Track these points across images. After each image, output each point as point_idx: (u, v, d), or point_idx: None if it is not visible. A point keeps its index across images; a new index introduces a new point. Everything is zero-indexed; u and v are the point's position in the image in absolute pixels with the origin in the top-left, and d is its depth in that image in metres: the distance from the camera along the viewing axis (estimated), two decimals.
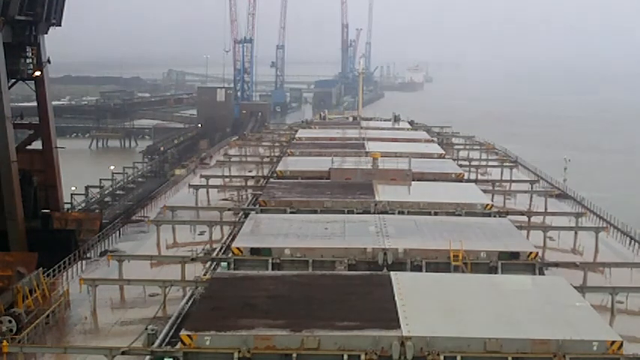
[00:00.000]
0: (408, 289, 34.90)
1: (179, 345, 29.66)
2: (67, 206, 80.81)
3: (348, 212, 52.92)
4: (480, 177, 74.64)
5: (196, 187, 66.94)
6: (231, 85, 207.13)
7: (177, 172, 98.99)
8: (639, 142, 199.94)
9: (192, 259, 43.66)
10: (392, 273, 37.54)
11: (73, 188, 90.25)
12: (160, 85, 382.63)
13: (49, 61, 72.96)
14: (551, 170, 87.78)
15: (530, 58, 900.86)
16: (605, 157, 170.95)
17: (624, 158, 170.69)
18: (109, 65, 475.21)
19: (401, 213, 52.91)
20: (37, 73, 71.78)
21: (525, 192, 69.62)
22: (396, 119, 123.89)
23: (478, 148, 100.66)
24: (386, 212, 52.56)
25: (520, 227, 49.98)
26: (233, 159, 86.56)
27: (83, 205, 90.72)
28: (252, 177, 74.28)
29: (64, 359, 32.59)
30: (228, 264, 42.04)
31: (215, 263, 43.99)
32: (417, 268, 40.97)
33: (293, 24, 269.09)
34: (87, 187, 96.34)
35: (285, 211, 53.49)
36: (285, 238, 44.31)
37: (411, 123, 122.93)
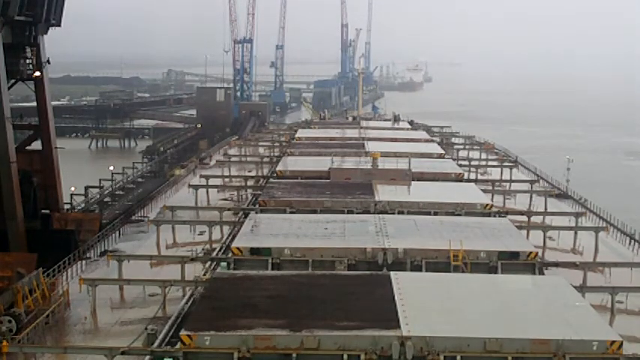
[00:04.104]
0: (407, 289, 34.87)
1: (179, 345, 29.64)
2: (66, 206, 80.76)
3: (348, 212, 52.87)
4: (479, 177, 74.58)
5: (196, 187, 66.90)
6: (231, 85, 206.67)
7: (177, 172, 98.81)
8: None
9: (192, 259, 43.64)
10: (392, 273, 37.51)
11: (73, 188, 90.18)
12: (160, 85, 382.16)
13: (48, 62, 72.93)
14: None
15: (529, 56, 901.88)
16: None
17: None
18: (108, 65, 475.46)
19: (401, 213, 52.85)
20: (37, 74, 71.78)
21: (525, 192, 69.56)
22: (396, 119, 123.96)
23: (478, 148, 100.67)
24: (386, 212, 52.51)
25: (520, 227, 49.95)
26: (233, 159, 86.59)
27: (83, 205, 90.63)
28: (252, 177, 74.24)
29: (64, 359, 32.60)
30: (228, 264, 42.03)
31: (215, 263, 43.97)
32: (416, 268, 40.94)
33: (292, 24, 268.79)
34: (86, 188, 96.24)
35: (284, 211, 53.47)
36: (285, 238, 44.28)
37: (410, 123, 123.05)
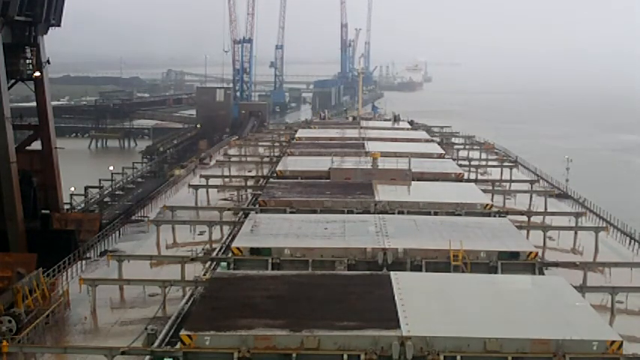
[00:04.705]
0: (407, 288, 34.87)
1: (179, 345, 29.63)
2: (66, 206, 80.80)
3: (348, 212, 52.83)
4: (479, 177, 74.57)
5: (196, 187, 66.89)
6: (231, 85, 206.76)
7: (177, 172, 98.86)
8: None
9: (192, 259, 43.61)
10: (392, 273, 37.50)
11: (73, 189, 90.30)
12: (159, 85, 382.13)
13: (48, 62, 72.98)
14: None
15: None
16: None
17: None
18: (108, 65, 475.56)
19: (401, 213, 52.81)
20: (37, 74, 71.81)
21: (525, 192, 69.55)
22: (396, 119, 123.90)
23: (478, 148, 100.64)
24: (386, 212, 52.47)
25: (520, 227, 49.91)
26: (233, 159, 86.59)
27: (83, 205, 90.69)
28: (252, 177, 74.21)
29: (64, 359, 32.60)
30: (228, 264, 42.01)
31: (215, 263, 43.96)
32: (416, 268, 40.92)
33: (292, 24, 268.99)
34: (86, 188, 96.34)
35: (284, 211, 53.43)
36: (285, 238, 44.27)
37: (410, 123, 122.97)
